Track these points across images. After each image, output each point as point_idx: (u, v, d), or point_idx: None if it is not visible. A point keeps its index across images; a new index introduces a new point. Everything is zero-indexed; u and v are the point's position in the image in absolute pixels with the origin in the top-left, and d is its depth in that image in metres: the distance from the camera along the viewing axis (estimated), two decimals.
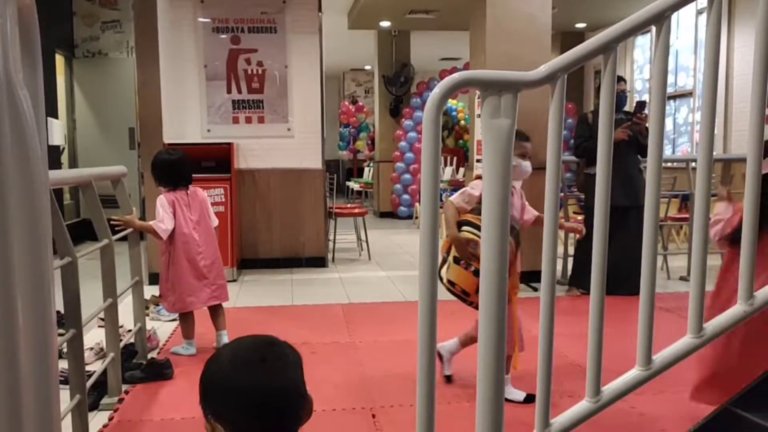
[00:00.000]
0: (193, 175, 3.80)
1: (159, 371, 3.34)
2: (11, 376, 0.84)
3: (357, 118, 14.90)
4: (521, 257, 3.01)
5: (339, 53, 12.61)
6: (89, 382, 2.68)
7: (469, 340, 3.15)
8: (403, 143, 10.80)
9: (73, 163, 8.46)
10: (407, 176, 10.79)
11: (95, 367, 3.14)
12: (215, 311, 3.80)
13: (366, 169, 14.26)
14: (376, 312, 4.76)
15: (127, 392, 3.15)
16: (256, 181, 6.30)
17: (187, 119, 6.18)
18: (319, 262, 6.43)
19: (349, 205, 8.79)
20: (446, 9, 8.59)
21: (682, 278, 5.60)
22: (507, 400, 2.94)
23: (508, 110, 1.45)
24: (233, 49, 6.22)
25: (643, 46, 10.04)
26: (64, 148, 8.33)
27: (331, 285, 5.68)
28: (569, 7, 8.54)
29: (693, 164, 5.72)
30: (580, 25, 10.23)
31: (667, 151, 9.25)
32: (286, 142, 6.33)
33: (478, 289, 2.70)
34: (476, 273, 2.79)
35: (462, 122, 11.35)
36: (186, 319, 3.74)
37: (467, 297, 2.89)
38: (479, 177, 2.72)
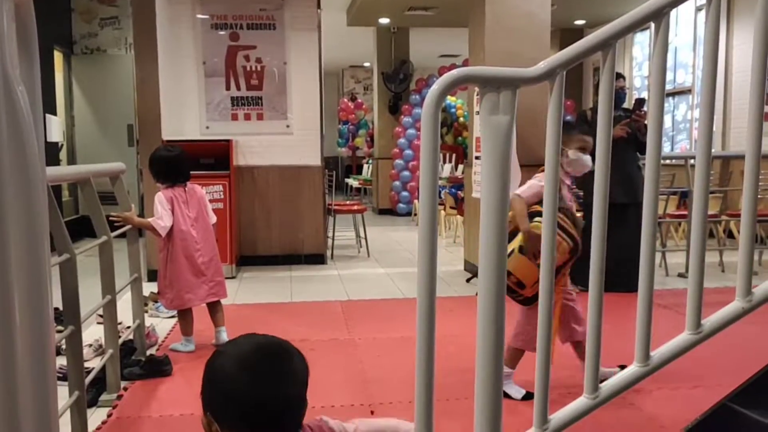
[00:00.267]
0: (192, 172, 3.79)
1: (158, 368, 3.34)
2: (9, 373, 0.84)
3: (356, 115, 14.90)
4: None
5: (338, 50, 12.59)
6: (88, 379, 2.68)
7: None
8: (402, 140, 10.79)
9: (72, 160, 8.46)
10: (406, 173, 10.79)
11: (94, 363, 3.14)
12: (214, 308, 3.80)
13: (365, 166, 14.26)
14: (374, 309, 4.76)
15: (125, 389, 3.15)
16: (255, 178, 6.29)
17: (186, 116, 6.17)
18: (318, 259, 6.43)
19: (348, 202, 8.79)
20: (445, 6, 8.58)
21: (680, 275, 5.61)
22: (505, 394, 2.95)
23: (506, 107, 1.45)
24: (232, 46, 6.21)
25: (642, 43, 10.03)
26: (62, 145, 8.31)
27: (330, 282, 5.68)
28: (568, 3, 8.53)
29: (691, 161, 5.73)
30: (579, 22, 10.22)
31: (666, 148, 9.25)
32: (285, 139, 6.33)
33: (536, 282, 2.74)
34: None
35: (461, 119, 11.33)
36: (184, 316, 3.74)
37: (520, 289, 2.85)
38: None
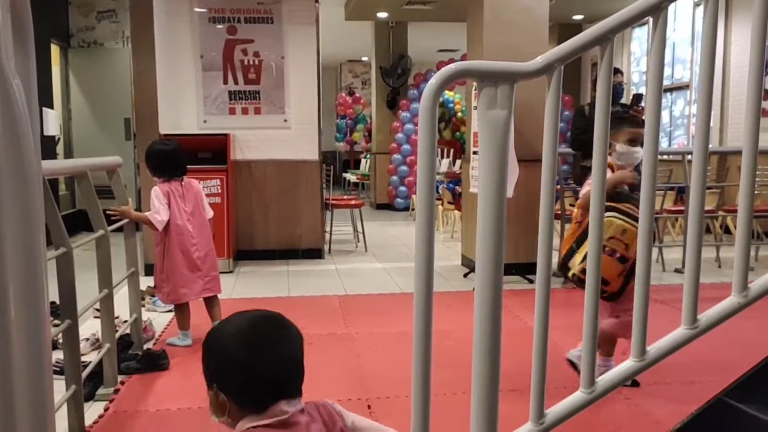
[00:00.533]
0: (190, 166, 3.78)
1: (155, 362, 3.34)
2: (4, 366, 0.83)
3: (354, 109, 14.87)
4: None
5: (336, 44, 12.56)
6: (85, 373, 2.68)
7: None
8: (400, 135, 10.78)
9: (69, 154, 8.43)
10: (404, 168, 10.78)
11: (91, 357, 3.14)
12: (211, 303, 3.80)
13: (363, 161, 14.24)
14: (372, 303, 4.76)
15: (122, 383, 3.16)
16: (252, 172, 6.28)
17: (184, 110, 6.15)
18: (315, 253, 6.43)
19: (345, 197, 8.79)
20: (443, 0, 8.56)
21: (677, 270, 5.62)
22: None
23: (504, 101, 1.45)
24: (229, 40, 6.19)
25: (640, 38, 10.03)
26: (59, 139, 8.29)
27: (327, 276, 5.68)
28: None
29: (689, 157, 5.73)
30: (578, 17, 10.21)
31: (664, 144, 9.26)
32: (283, 134, 6.32)
33: (620, 274, 2.76)
34: (621, 260, 2.78)
35: (459, 114, 11.33)
36: (181, 311, 3.74)
37: (605, 286, 2.80)
38: (610, 166, 2.72)
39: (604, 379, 1.63)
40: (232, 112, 6.25)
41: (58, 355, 2.73)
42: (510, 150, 1.51)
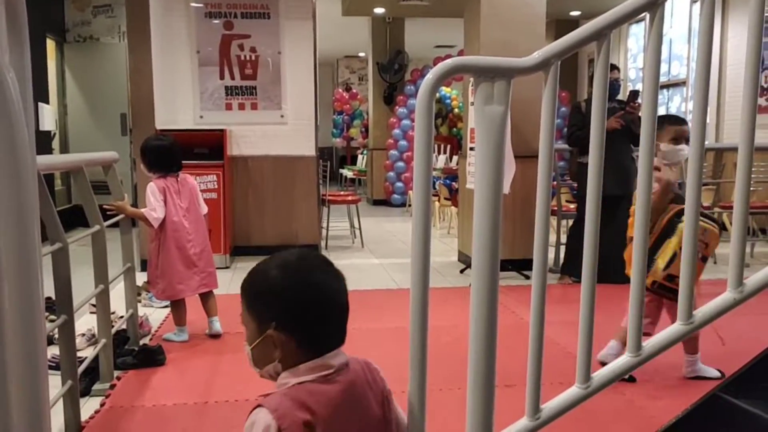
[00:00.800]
0: (186, 162, 3.78)
1: (151, 357, 3.34)
2: None
3: (351, 105, 14.86)
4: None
5: (333, 40, 12.54)
6: (81, 368, 2.68)
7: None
8: (396, 131, 10.78)
9: (65, 149, 8.41)
10: (401, 164, 10.78)
11: (87, 353, 3.14)
12: (206, 298, 3.79)
13: (359, 157, 14.24)
14: (368, 299, 4.76)
15: (119, 378, 3.15)
16: (249, 168, 6.28)
17: (180, 105, 6.14)
18: (312, 249, 6.43)
19: (342, 193, 8.78)
20: None
21: None
22: (703, 378, 2.94)
23: (501, 97, 1.45)
24: (226, 35, 6.17)
25: (637, 34, 10.03)
26: (55, 134, 8.27)
27: None
28: None
29: None
30: (575, 13, 10.21)
31: None
32: (280, 129, 6.31)
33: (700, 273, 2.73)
34: (703, 259, 2.79)
35: (456, 110, 11.32)
36: (177, 306, 3.73)
37: None
38: (657, 168, 2.70)
39: (599, 375, 1.63)
40: (228, 107, 6.23)
41: (54, 351, 2.73)
42: (507, 146, 1.51)
